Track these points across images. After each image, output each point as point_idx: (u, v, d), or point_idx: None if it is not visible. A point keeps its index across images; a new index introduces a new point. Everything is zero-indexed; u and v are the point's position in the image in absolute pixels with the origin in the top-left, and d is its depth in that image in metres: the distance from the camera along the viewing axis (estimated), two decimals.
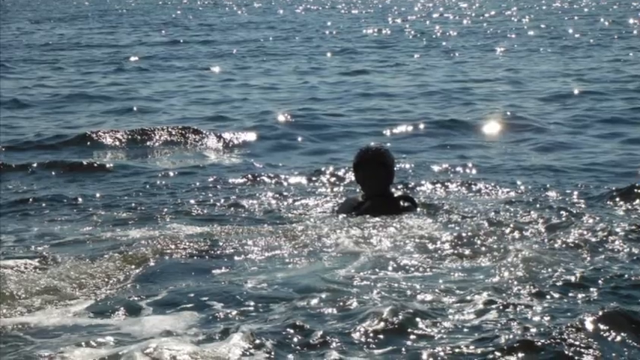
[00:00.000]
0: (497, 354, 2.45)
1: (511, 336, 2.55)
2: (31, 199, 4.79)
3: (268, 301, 2.89)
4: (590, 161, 5.88)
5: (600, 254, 3.44)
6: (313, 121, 7.75)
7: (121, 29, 20.03)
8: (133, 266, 3.30)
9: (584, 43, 14.46)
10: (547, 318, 2.70)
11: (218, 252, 3.52)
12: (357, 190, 4.39)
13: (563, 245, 3.55)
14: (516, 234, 3.74)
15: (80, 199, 4.82)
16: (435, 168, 5.69)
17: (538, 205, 4.37)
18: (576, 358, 2.44)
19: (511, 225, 3.86)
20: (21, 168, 5.82)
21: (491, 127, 7.38)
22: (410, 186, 5.00)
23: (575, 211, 4.16)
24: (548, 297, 2.90)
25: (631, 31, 16.36)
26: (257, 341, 2.50)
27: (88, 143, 6.85)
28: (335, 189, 5.07)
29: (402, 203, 4.15)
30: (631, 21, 18.49)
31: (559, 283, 3.03)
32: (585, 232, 3.71)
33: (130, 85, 10.54)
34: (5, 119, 7.98)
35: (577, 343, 2.50)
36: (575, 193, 4.74)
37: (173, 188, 5.18)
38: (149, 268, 3.29)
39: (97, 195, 4.96)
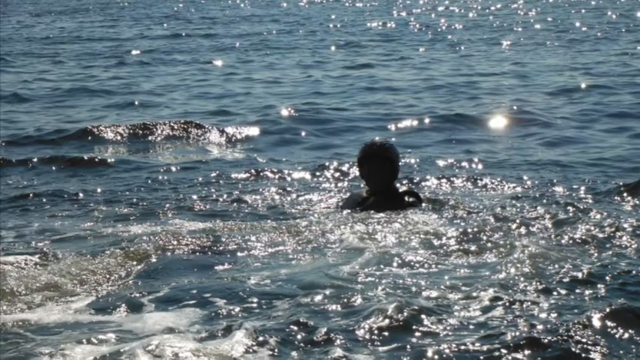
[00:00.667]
0: (504, 351, 2.42)
1: (517, 333, 2.53)
2: (31, 195, 4.77)
3: (272, 298, 2.87)
4: (598, 156, 5.84)
5: (607, 250, 3.41)
6: (317, 115, 7.71)
7: (122, 22, 19.99)
8: (135, 262, 3.28)
9: (591, 37, 14.35)
10: (554, 315, 2.68)
11: (221, 248, 3.50)
12: (362, 185, 4.36)
13: (570, 241, 3.52)
14: (523, 230, 3.71)
15: (81, 195, 4.80)
16: (441, 163, 5.65)
17: (545, 201, 4.33)
18: (583, 355, 2.41)
19: (517, 221, 3.83)
20: (21, 163, 5.81)
21: (498, 122, 7.34)
22: (415, 181, 4.97)
23: (582, 207, 4.13)
24: (554, 293, 2.87)
25: (639, 25, 16.22)
26: (260, 338, 2.49)
27: (89, 138, 6.83)
28: (339, 184, 5.04)
29: (406, 198, 4.12)
30: (639, 14, 18.34)
31: (566, 280, 3.00)
32: (592, 228, 3.68)
33: (131, 79, 10.51)
34: (5, 113, 7.97)
35: (584, 340, 2.48)
36: (583, 188, 4.71)
37: (175, 183, 5.16)
38: (151, 265, 3.28)
39: (98, 190, 4.94)
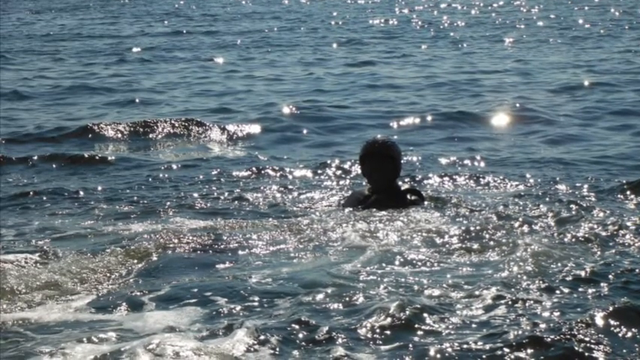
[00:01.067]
0: (506, 350, 2.42)
1: (520, 332, 2.52)
2: (31, 193, 4.76)
3: (273, 297, 2.87)
4: (601, 154, 5.82)
5: (611, 248, 3.40)
6: (319, 113, 7.69)
7: (123, 20, 19.96)
8: (136, 261, 3.28)
9: (594, 34, 14.30)
10: (557, 313, 2.67)
11: (222, 246, 3.49)
12: (364, 183, 4.34)
13: (573, 239, 3.51)
14: (525, 228, 3.70)
15: (81, 193, 4.80)
16: (443, 161, 5.64)
17: (547, 199, 4.32)
18: (586, 354, 2.41)
19: (520, 219, 3.82)
20: (21, 161, 5.80)
21: (500, 119, 7.32)
22: (417, 179, 4.96)
23: (585, 205, 4.12)
24: (557, 292, 2.87)
25: None
26: (261, 337, 2.48)
27: (90, 135, 6.82)
28: (341, 182, 5.03)
29: (409, 197, 4.11)
30: None
31: (569, 278, 2.99)
32: (595, 226, 3.67)
33: (132, 77, 10.49)
34: (5, 111, 7.96)
35: (587, 339, 2.47)
36: (586, 186, 4.69)
37: (176, 181, 5.15)
38: (152, 263, 3.27)
39: (99, 188, 4.93)
